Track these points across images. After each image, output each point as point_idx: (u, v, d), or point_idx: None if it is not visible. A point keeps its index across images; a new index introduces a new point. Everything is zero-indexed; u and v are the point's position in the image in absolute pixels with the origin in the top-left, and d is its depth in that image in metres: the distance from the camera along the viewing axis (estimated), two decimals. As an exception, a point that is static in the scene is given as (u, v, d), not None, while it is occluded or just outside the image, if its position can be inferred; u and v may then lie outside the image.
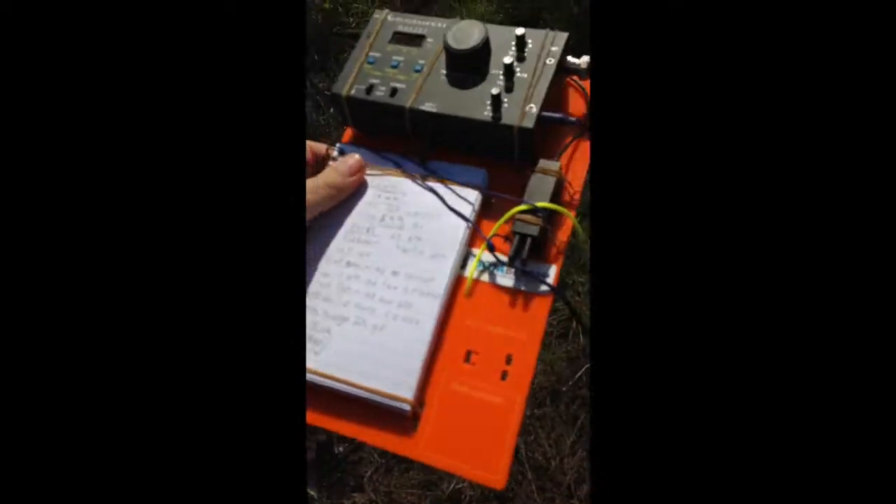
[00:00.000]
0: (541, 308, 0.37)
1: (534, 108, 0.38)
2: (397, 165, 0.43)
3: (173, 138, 0.29)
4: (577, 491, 0.95)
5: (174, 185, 0.28)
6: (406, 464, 1.16)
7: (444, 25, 0.42)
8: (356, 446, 1.32)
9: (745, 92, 0.27)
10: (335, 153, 0.45)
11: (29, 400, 0.26)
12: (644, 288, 0.27)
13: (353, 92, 0.42)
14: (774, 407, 0.26)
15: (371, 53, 0.43)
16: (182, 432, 0.27)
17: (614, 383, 0.27)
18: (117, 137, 0.28)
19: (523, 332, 0.36)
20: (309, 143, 0.44)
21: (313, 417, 0.37)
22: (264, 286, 0.28)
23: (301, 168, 0.36)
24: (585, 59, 0.42)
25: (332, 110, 1.39)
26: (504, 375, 0.35)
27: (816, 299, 0.26)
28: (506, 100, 0.38)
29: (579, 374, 1.06)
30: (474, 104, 0.39)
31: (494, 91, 0.38)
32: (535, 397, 1.08)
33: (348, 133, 0.48)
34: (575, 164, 0.41)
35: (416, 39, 0.43)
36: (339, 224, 0.42)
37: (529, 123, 0.38)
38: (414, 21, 0.43)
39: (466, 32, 0.39)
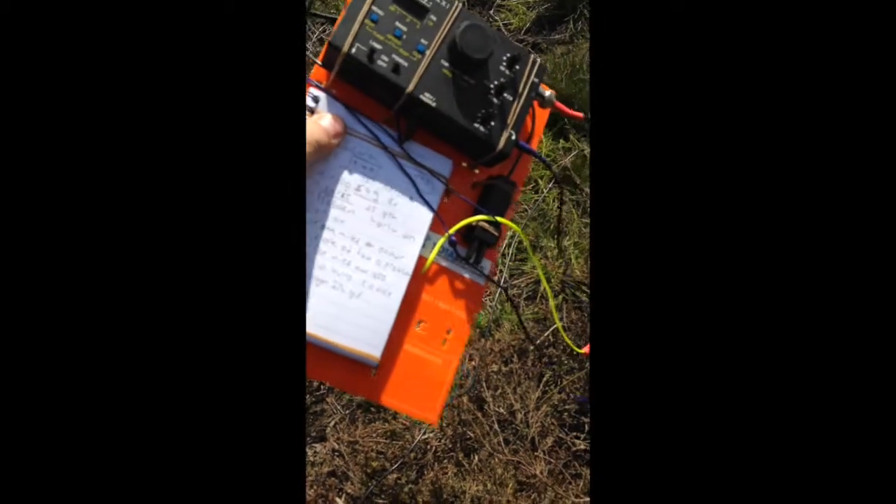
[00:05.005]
0: (478, 293, 0.46)
1: (513, 136, 0.44)
2: (373, 135, 0.43)
3: (167, 100, 0.29)
4: (541, 444, 0.99)
5: (169, 150, 0.28)
6: (370, 415, 1.17)
7: (446, 5, 0.42)
8: (318, 398, 1.32)
9: (745, 102, 0.28)
10: (310, 101, 0.42)
11: (20, 380, 0.26)
12: (639, 277, 0.29)
13: (353, 51, 0.39)
14: (773, 398, 0.27)
15: (374, 9, 0.40)
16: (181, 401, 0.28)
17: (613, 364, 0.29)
18: (112, 117, 0.28)
19: (463, 311, 0.46)
20: None
21: None
22: (262, 256, 0.29)
23: (301, 127, 0.35)
24: (550, 93, 0.47)
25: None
26: (444, 342, 0.45)
27: (812, 293, 0.27)
28: (492, 121, 0.43)
29: (546, 333, 1.09)
30: (468, 110, 0.42)
31: (487, 109, 0.42)
32: (503, 354, 1.11)
33: (321, 74, 0.43)
34: (517, 179, 0.49)
35: (418, 9, 0.41)
36: (314, 182, 0.41)
37: (508, 149, 0.44)
38: None
39: (479, 41, 0.41)
